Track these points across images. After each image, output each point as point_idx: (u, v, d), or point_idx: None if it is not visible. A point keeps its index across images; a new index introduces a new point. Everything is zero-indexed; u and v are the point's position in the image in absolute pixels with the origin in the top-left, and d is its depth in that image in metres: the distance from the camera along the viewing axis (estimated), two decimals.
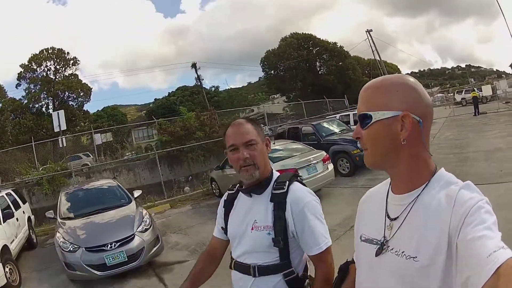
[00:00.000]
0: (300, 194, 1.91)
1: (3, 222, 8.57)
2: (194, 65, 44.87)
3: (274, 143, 11.68)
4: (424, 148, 1.21)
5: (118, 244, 6.99)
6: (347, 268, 1.60)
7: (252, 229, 1.93)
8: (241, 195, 2.08)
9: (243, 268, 1.96)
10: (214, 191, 13.95)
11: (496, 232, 0.97)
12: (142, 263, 7.14)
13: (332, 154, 12.34)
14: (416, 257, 1.10)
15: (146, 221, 7.69)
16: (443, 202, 1.10)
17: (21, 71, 41.62)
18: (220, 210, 2.20)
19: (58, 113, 18.38)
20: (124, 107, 66.17)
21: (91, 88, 44.50)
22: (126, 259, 6.87)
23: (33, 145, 19.45)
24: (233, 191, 2.15)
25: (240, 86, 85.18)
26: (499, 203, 5.64)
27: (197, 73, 45.17)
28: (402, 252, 1.15)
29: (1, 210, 8.95)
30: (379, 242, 1.26)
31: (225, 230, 2.14)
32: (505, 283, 0.83)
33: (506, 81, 44.07)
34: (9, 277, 7.14)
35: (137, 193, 9.28)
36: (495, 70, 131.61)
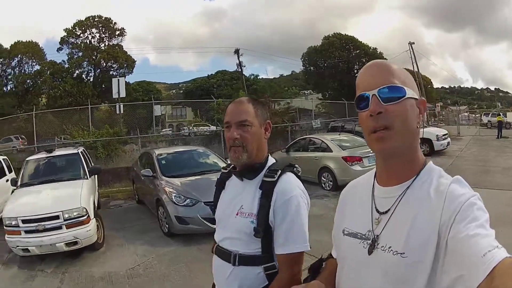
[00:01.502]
0: (289, 186, 1.85)
1: (89, 177, 8.80)
2: (237, 51, 44.87)
3: (339, 134, 14.16)
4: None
5: None
6: (320, 267, 1.56)
7: (237, 214, 1.89)
8: (233, 177, 2.04)
9: (224, 255, 1.92)
10: None
11: (490, 230, 0.97)
12: None
13: None
14: (404, 253, 1.07)
15: None
16: (433, 196, 1.10)
17: (64, 36, 41.88)
18: (213, 190, 2.17)
19: (118, 79, 18.72)
20: (152, 83, 67.23)
21: (135, 61, 44.31)
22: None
23: (89, 108, 19.96)
24: (226, 171, 2.12)
25: (272, 78, 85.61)
26: (509, 203, 8.69)
27: (239, 59, 45.16)
28: (389, 248, 1.12)
29: (85, 163, 9.29)
30: (364, 236, 1.23)
31: (214, 211, 2.13)
32: (502, 284, 0.82)
33: None
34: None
35: None
36: None
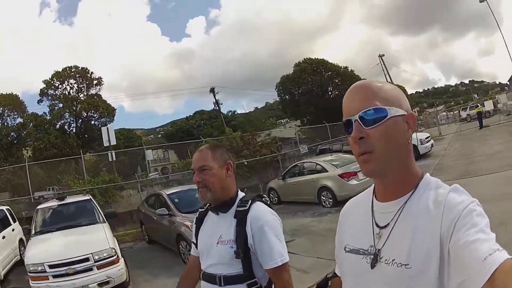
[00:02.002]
0: (259, 213, 2.11)
1: (105, 221, 9.13)
2: (212, 90, 45.41)
3: (331, 154, 15.06)
4: (412, 152, 1.22)
5: None
6: (326, 286, 1.59)
7: (218, 243, 2.11)
8: (210, 213, 2.28)
9: (210, 278, 2.15)
10: (272, 200, 15.29)
11: (490, 234, 0.98)
12: None
13: None
14: (408, 264, 1.08)
15: None
16: (432, 207, 1.11)
17: (43, 87, 41.66)
18: (193, 227, 2.41)
19: (107, 128, 19.23)
20: (132, 130, 67.08)
21: (115, 109, 44.01)
22: None
23: (83, 157, 19.91)
24: (203, 209, 2.36)
25: (247, 111, 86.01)
26: (499, 182, 9.68)
27: (215, 97, 45.70)
28: (392, 261, 1.13)
29: None
30: (366, 252, 1.24)
31: (196, 245, 2.34)
32: (502, 285, 0.83)
33: (505, 95, 45.98)
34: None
35: None
36: (497, 83, 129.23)
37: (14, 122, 40.46)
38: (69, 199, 10.27)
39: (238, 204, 2.15)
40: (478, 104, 37.61)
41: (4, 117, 40.09)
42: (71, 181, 18.05)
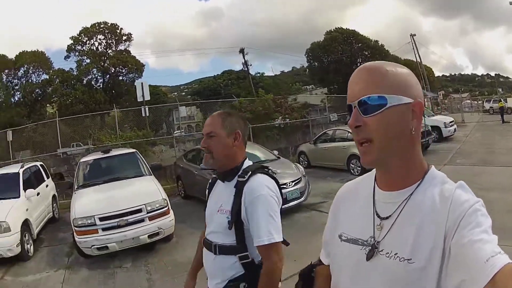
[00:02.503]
0: (256, 185, 2.08)
1: (152, 174, 9.13)
2: (242, 51, 45.07)
3: None
4: (419, 142, 1.18)
5: (293, 183, 9.14)
6: (310, 273, 1.53)
7: (218, 211, 2.16)
8: (219, 180, 2.31)
9: (208, 245, 2.19)
10: (302, 163, 15.65)
11: (492, 236, 0.97)
12: (304, 199, 9.33)
13: None
14: (411, 259, 1.06)
15: (302, 171, 10.03)
16: (438, 202, 1.08)
17: (71, 43, 41.67)
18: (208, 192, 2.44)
19: (142, 83, 19.11)
20: (156, 87, 67.68)
21: (144, 65, 43.96)
22: (299, 195, 9.09)
23: (116, 111, 20.16)
24: (215, 176, 2.39)
25: (273, 75, 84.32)
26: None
27: (244, 58, 45.29)
28: (395, 254, 1.10)
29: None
30: (365, 242, 1.19)
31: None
32: None
33: None
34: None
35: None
36: None
37: (39, 79, 40.82)
38: (114, 152, 10.16)
39: (239, 174, 2.16)
40: (501, 99, 37.72)
41: (29, 75, 40.50)
42: (103, 135, 18.24)
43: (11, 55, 40.40)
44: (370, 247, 1.17)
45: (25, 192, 8.85)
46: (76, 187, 8.52)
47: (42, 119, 30.27)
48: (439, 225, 1.04)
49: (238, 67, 54.11)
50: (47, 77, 40.51)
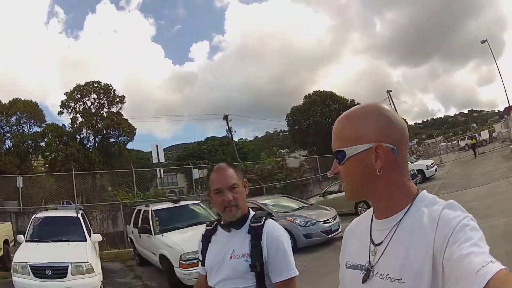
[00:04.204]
0: (274, 227, 2.20)
1: None
2: (225, 117, 45.34)
3: None
4: (401, 173, 1.23)
5: (333, 219, 11.90)
6: None
7: (231, 257, 2.13)
8: (219, 230, 2.29)
9: None
10: None
11: (484, 247, 0.99)
12: (341, 231, 11.31)
13: None
14: (401, 278, 1.11)
15: (335, 211, 12.80)
16: (426, 223, 1.12)
17: (65, 99, 41.59)
18: (199, 245, 2.40)
19: (156, 145, 20.07)
20: (142, 151, 68.00)
21: (136, 129, 44.18)
22: (337, 227, 11.71)
23: (134, 172, 21.11)
24: (211, 227, 2.36)
25: (246, 140, 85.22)
26: (488, 188, 14.26)
27: (228, 125, 45.51)
28: (387, 275, 1.17)
29: None
30: (363, 267, 1.28)
31: (203, 262, 2.35)
32: None
33: (500, 125, 48.78)
34: None
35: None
36: (496, 111, 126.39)
37: (31, 130, 40.39)
38: (182, 202, 11.72)
39: (251, 220, 2.22)
40: (473, 137, 41.00)
41: (21, 124, 40.01)
42: (121, 193, 19.55)
43: (5, 100, 40.52)
44: (366, 271, 1.26)
45: (90, 236, 9.51)
46: (157, 231, 9.82)
47: (29, 171, 31.18)
48: (427, 245, 1.07)
49: (211, 133, 54.95)
50: (40, 129, 40.19)
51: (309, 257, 10.11)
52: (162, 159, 19.99)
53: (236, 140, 57.87)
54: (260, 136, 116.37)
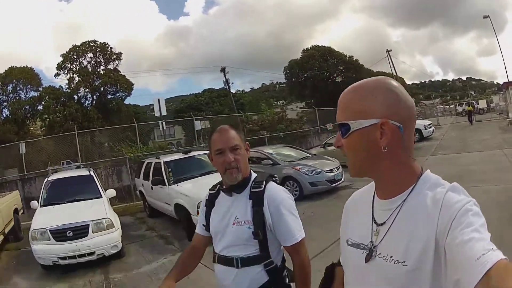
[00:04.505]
0: (275, 192, 2.15)
1: None
2: (223, 70, 45.10)
3: None
4: (406, 153, 1.21)
5: (336, 169, 12.23)
6: (333, 270, 1.64)
7: (234, 224, 2.13)
8: (221, 194, 2.27)
9: (227, 261, 2.15)
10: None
11: (485, 234, 0.98)
12: (344, 180, 12.23)
13: None
14: (405, 261, 1.11)
15: (338, 161, 12.85)
16: (429, 206, 1.12)
17: (61, 61, 41.46)
18: (202, 209, 2.40)
19: (158, 99, 19.55)
20: (135, 106, 67.69)
21: (133, 84, 44.28)
22: (341, 177, 12.17)
23: (136, 127, 21.55)
24: (214, 191, 2.34)
25: (242, 91, 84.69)
26: (483, 157, 14.26)
27: (225, 77, 45.36)
28: (390, 257, 1.17)
29: None
30: (366, 247, 1.28)
31: (206, 227, 2.33)
32: (496, 286, 0.84)
33: (498, 97, 48.32)
34: None
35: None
36: (495, 83, 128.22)
37: (28, 95, 40.59)
38: (193, 153, 11.49)
39: (252, 185, 2.18)
40: (470, 103, 41.18)
41: (17, 91, 40.25)
42: (124, 148, 19.52)
43: (1, 70, 40.57)
44: (368, 251, 1.26)
45: (104, 191, 9.64)
46: (171, 182, 9.88)
47: (27, 137, 31.16)
48: (430, 228, 1.07)
49: (206, 85, 54.93)
50: (37, 94, 40.44)
51: (315, 204, 10.61)
52: (164, 112, 19.68)
53: (234, 91, 57.89)
54: (256, 88, 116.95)
